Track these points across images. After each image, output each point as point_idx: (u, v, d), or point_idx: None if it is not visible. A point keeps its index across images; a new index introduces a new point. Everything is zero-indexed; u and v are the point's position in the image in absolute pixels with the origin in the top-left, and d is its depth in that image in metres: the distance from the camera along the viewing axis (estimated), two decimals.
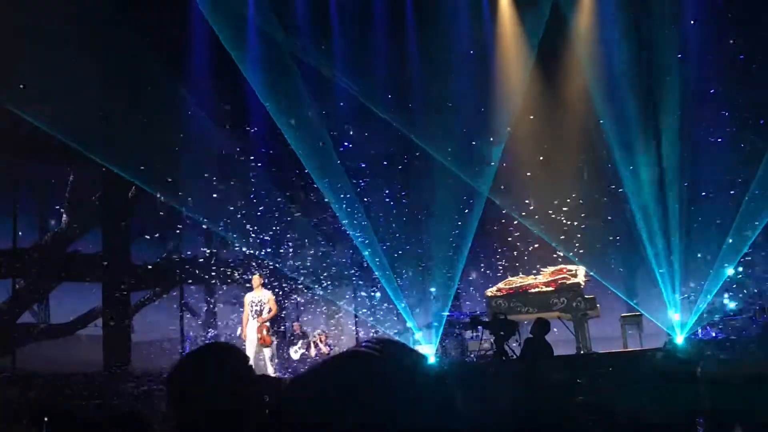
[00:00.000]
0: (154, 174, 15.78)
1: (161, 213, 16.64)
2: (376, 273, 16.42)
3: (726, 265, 14.60)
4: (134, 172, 15.66)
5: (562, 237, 16.45)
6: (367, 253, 16.47)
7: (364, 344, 1.27)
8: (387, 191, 17.41)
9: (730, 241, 14.79)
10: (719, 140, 15.84)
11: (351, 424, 1.14)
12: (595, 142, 16.62)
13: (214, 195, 16.73)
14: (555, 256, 16.17)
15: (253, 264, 16.83)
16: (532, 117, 16.83)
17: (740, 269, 14.53)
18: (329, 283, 18.00)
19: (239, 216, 17.19)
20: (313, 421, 1.15)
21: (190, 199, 16.46)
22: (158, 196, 16.08)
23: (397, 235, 17.28)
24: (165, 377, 2.32)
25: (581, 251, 16.09)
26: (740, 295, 14.29)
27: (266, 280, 14.68)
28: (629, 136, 16.01)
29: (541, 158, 16.79)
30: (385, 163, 17.32)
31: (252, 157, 16.98)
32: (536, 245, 17.07)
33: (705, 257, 15.23)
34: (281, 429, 1.20)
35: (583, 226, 16.61)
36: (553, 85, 16.98)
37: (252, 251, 17.22)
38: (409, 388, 1.18)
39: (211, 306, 19.41)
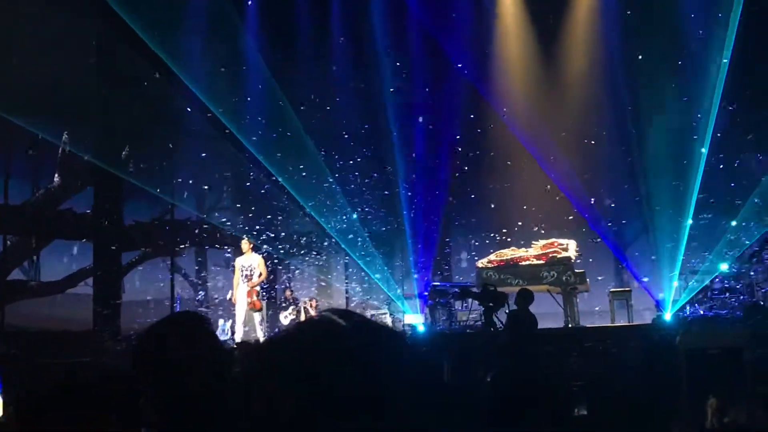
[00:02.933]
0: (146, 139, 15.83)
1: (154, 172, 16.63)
2: (346, 247, 16.55)
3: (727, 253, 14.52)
4: (126, 136, 15.71)
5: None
6: (334, 230, 16.59)
7: (325, 313, 1.25)
8: (360, 162, 17.41)
9: (731, 237, 14.76)
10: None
11: (312, 391, 1.13)
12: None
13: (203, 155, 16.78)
14: (543, 231, 16.16)
15: (244, 228, 16.84)
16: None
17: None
18: (317, 253, 18.10)
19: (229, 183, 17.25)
20: (278, 388, 1.15)
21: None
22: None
23: (374, 207, 17.36)
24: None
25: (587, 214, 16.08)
26: (729, 274, 14.30)
27: (255, 244, 14.62)
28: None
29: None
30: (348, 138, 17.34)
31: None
32: (526, 222, 17.14)
33: (707, 240, 15.20)
34: (253, 392, 1.19)
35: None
36: (555, 57, 17.01)
37: (241, 220, 17.31)
38: (374, 361, 1.18)
39: (202, 268, 19.45)
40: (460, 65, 16.85)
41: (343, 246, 16.72)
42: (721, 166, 15.40)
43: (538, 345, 10.77)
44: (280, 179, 16.27)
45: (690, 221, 14.98)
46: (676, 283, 14.53)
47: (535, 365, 9.82)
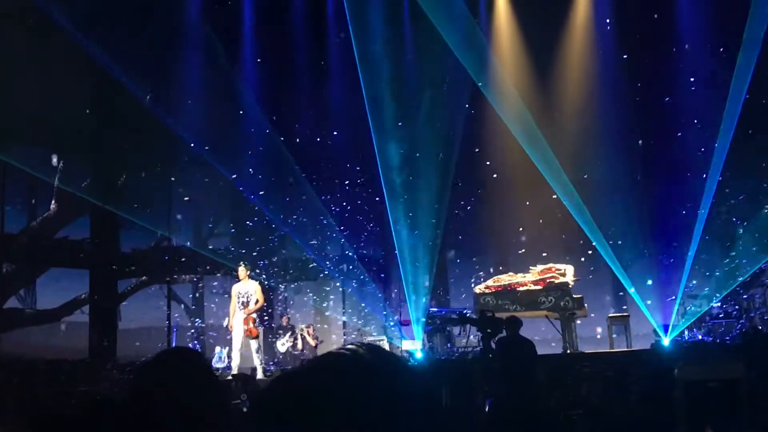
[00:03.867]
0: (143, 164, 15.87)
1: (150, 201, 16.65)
2: (340, 277, 16.59)
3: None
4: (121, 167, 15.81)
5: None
6: (330, 259, 16.61)
7: (349, 345, 1.26)
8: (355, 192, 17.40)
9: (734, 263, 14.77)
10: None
11: (335, 421, 1.12)
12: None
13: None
14: (544, 255, 16.14)
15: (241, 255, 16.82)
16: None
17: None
18: (313, 280, 18.11)
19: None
20: (297, 418, 1.14)
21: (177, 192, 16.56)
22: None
23: (370, 236, 17.37)
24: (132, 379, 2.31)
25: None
26: (728, 298, 14.28)
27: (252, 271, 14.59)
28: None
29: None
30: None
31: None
32: (524, 248, 17.13)
33: (711, 266, 15.18)
34: (263, 425, 1.18)
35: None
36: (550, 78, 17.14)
37: (237, 247, 17.33)
38: (395, 389, 1.18)
39: (198, 295, 19.39)
40: (463, 105, 16.93)
41: (337, 276, 16.75)
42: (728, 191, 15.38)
43: (538, 371, 10.71)
44: (275, 224, 16.36)
45: (695, 247, 14.97)
46: (676, 309, 14.52)
47: (533, 392, 9.77)
